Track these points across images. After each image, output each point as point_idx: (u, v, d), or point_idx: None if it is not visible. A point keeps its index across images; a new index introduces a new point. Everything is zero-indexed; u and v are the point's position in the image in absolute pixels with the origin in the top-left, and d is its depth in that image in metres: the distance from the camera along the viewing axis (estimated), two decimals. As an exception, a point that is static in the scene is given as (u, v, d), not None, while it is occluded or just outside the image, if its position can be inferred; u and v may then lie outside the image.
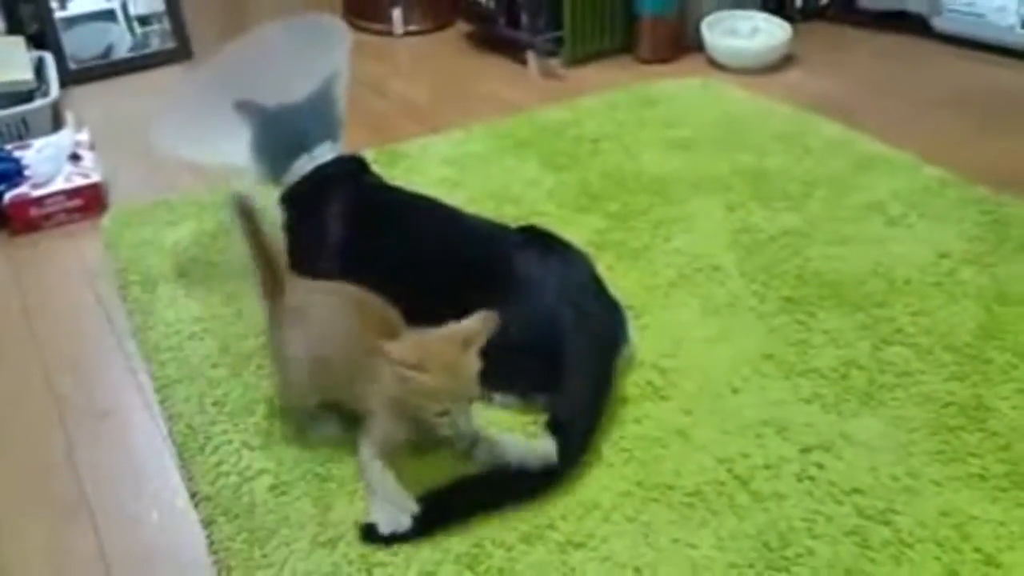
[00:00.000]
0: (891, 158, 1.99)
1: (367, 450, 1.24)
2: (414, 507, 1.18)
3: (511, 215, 1.82)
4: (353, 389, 1.26)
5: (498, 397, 1.37)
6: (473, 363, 1.18)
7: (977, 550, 1.11)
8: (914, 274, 1.61)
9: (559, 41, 2.65)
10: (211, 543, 1.20)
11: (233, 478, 1.28)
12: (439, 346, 1.17)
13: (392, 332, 1.25)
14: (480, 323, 1.20)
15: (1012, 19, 2.49)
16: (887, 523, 1.16)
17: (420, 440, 1.24)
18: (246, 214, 1.33)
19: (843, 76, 2.50)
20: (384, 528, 1.17)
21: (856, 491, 1.20)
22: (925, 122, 2.20)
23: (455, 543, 1.16)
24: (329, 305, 1.31)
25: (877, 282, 1.60)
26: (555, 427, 1.28)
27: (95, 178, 2.03)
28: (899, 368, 1.40)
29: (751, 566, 1.11)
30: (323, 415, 1.33)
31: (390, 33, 2.99)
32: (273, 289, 1.33)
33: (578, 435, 1.28)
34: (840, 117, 2.19)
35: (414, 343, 1.19)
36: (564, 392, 1.33)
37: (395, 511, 1.18)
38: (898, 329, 1.48)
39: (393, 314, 1.30)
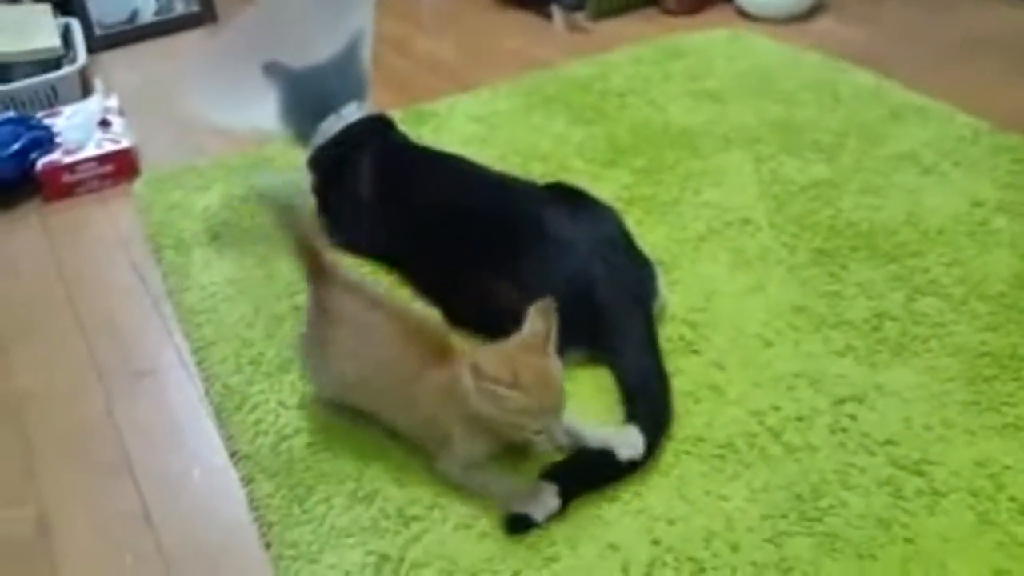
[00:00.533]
0: (923, 107, 1.96)
1: (455, 469, 1.18)
2: (552, 488, 1.14)
3: (539, 172, 1.81)
4: (389, 412, 1.23)
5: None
6: (559, 368, 1.12)
7: (1012, 499, 1.11)
8: (947, 223, 1.60)
9: (584, -6, 2.63)
10: (251, 500, 1.22)
11: (271, 436, 1.30)
12: (525, 358, 1.09)
13: (440, 351, 1.18)
14: (543, 320, 1.13)
15: (1050, -39, 2.44)
16: (921, 473, 1.16)
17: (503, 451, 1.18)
18: (279, 211, 1.27)
19: (873, 24, 2.46)
20: (539, 516, 1.13)
21: (889, 442, 1.20)
22: (957, 69, 2.16)
23: (490, 498, 1.17)
24: (371, 324, 1.21)
25: (910, 232, 1.58)
26: (634, 411, 1.25)
27: (125, 143, 2.05)
28: (932, 319, 1.39)
29: (784, 517, 1.12)
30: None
31: (414, -10, 2.97)
32: (316, 276, 1.26)
33: (660, 415, 1.26)
34: (871, 66, 2.15)
35: (501, 358, 1.09)
36: (630, 366, 1.31)
37: (540, 497, 1.14)
38: (931, 279, 1.47)
39: (439, 329, 1.24)
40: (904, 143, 1.84)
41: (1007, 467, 1.15)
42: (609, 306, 1.34)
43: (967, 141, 1.82)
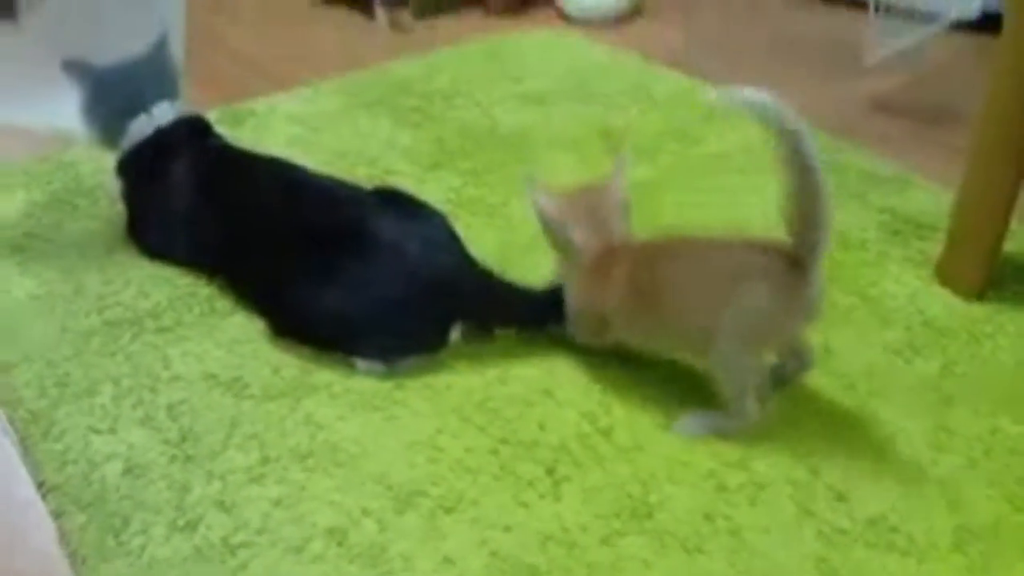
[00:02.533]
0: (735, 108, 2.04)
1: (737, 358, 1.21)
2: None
3: (364, 175, 1.78)
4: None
5: (362, 364, 1.35)
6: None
7: (828, 487, 1.17)
8: (759, 222, 1.66)
9: (407, -8, 2.60)
10: (62, 534, 1.14)
11: (81, 465, 1.22)
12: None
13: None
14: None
15: (844, -32, 2.59)
16: (743, 468, 1.20)
17: None
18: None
19: (690, 28, 2.55)
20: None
21: (712, 439, 1.24)
22: (768, 72, 2.27)
23: (321, 517, 1.14)
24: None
25: (725, 231, 1.64)
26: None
27: (-92, 147, 1.88)
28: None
29: (616, 515, 1.14)
30: None
31: (229, -16, 2.86)
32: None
33: None
34: (685, 69, 2.23)
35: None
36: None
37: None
38: (747, 277, 1.53)
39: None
40: (717, 144, 1.91)
41: (823, 457, 1.21)
42: (457, 288, 1.36)
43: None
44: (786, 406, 1.29)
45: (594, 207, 1.31)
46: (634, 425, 1.26)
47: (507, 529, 1.12)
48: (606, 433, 1.25)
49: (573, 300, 1.33)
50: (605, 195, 1.32)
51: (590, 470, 1.20)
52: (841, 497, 1.16)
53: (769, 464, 1.20)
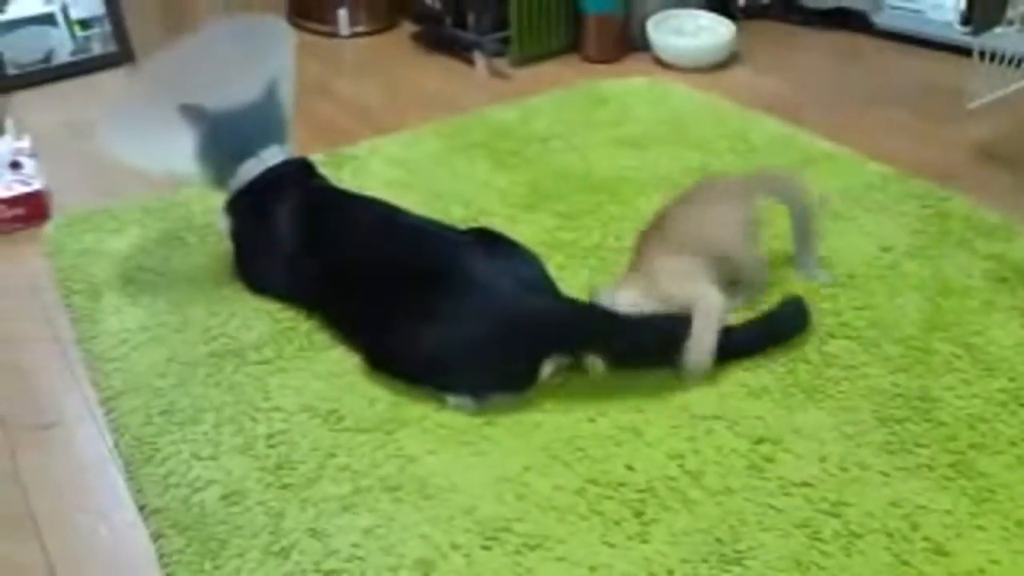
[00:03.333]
0: (834, 154, 2.02)
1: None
2: None
3: (460, 216, 1.82)
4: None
5: (452, 400, 1.37)
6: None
7: (926, 539, 1.14)
8: (858, 268, 1.64)
9: (506, 41, 2.65)
10: (161, 556, 1.18)
11: (183, 489, 1.26)
12: None
13: None
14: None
15: (949, 15, 2.54)
16: (837, 515, 1.17)
17: None
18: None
19: (786, 73, 2.53)
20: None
21: (806, 484, 1.22)
22: (867, 118, 2.24)
23: (410, 548, 1.15)
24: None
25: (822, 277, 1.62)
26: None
27: (37, 186, 1.99)
28: (844, 361, 1.43)
29: (704, 560, 1.12)
30: None
31: (336, 34, 2.96)
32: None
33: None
34: (784, 114, 2.22)
35: None
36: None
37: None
38: (843, 322, 1.51)
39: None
40: (816, 189, 1.89)
41: (920, 507, 1.18)
42: (558, 329, 1.39)
43: (876, 187, 1.88)
44: (885, 455, 1.25)
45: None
46: (724, 467, 1.25)
47: (592, 569, 1.12)
48: (696, 475, 1.24)
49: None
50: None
51: (678, 513, 1.19)
52: (939, 550, 1.12)
53: (865, 513, 1.17)
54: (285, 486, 1.25)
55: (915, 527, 1.15)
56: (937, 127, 2.16)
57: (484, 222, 1.69)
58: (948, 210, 1.79)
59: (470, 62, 2.68)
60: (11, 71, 2.65)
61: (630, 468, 1.25)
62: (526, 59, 2.65)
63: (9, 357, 1.58)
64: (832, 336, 1.48)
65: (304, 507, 1.22)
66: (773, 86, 2.45)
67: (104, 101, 2.42)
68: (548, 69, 2.63)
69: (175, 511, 1.23)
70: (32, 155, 2.12)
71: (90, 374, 1.51)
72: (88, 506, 1.29)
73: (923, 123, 2.19)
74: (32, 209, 1.96)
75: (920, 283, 1.59)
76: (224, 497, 1.24)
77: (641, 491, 1.22)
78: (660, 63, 2.61)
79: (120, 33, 2.77)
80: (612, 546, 1.15)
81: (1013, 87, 2.09)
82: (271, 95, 1.69)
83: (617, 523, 1.18)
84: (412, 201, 1.72)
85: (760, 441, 1.29)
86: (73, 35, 2.74)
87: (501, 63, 2.65)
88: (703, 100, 2.33)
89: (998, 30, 2.02)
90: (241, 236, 1.69)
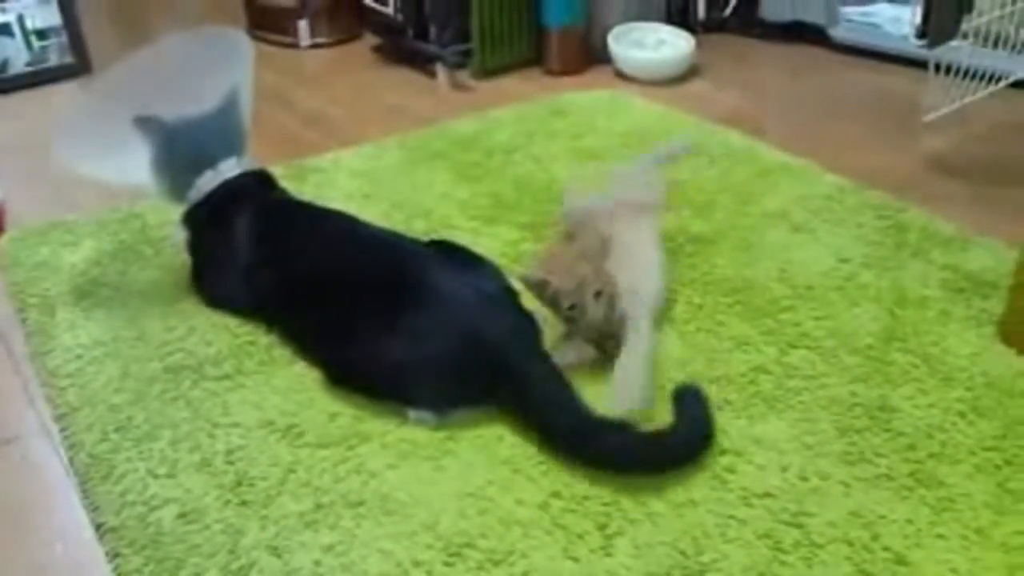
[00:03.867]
0: (793, 166, 2.04)
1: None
2: None
3: (422, 228, 1.81)
4: None
5: (413, 414, 1.36)
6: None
7: (887, 548, 1.14)
8: (817, 279, 1.65)
9: (468, 53, 2.65)
10: (117, 576, 1.16)
11: (139, 507, 1.24)
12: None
13: None
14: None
15: (906, 28, 2.58)
16: (798, 525, 1.18)
17: None
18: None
19: (746, 86, 2.56)
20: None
21: (767, 494, 1.22)
22: (826, 130, 2.27)
23: (371, 566, 1.14)
24: None
25: (782, 288, 1.63)
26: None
27: (-11, 198, 1.95)
28: (805, 372, 1.44)
29: (667, 574, 1.12)
30: None
31: (296, 45, 2.95)
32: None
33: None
34: (744, 127, 2.24)
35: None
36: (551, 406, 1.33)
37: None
38: (803, 333, 1.52)
39: None
40: (775, 201, 1.91)
41: (881, 516, 1.19)
42: (505, 354, 1.34)
43: (834, 199, 1.90)
44: (845, 465, 1.26)
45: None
46: (687, 480, 1.25)
47: (557, 583, 1.12)
48: (658, 487, 1.24)
49: None
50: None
51: (642, 525, 1.19)
52: (900, 560, 1.13)
53: (826, 523, 1.18)
54: (244, 503, 1.24)
55: (876, 537, 1.16)
56: (894, 139, 2.19)
57: (446, 234, 1.68)
58: (905, 221, 1.81)
59: (432, 74, 2.67)
60: (-37, 82, 2.61)
61: (594, 482, 1.25)
62: (488, 71, 2.65)
63: (-40, 373, 1.54)
64: (792, 347, 1.49)
65: (264, 524, 1.20)
66: (732, 99, 2.48)
67: (60, 113, 2.38)
68: (510, 81, 2.64)
69: (132, 529, 1.21)
70: (-16, 167, 2.09)
71: (45, 390, 1.48)
72: (43, 525, 1.26)
73: (880, 135, 2.22)
74: (-15, 222, 1.92)
75: (878, 294, 1.61)
76: (182, 515, 1.22)
77: (606, 504, 1.22)
78: (621, 76, 2.62)
79: (77, 44, 2.74)
80: (576, 560, 1.14)
81: (968, 99, 2.13)
82: (229, 106, 1.67)
83: (580, 536, 1.17)
84: (374, 213, 1.71)
85: (722, 452, 1.29)
86: (29, 46, 2.70)
87: (463, 75, 2.65)
88: (663, 113, 2.34)
89: (953, 43, 2.05)
90: (199, 249, 1.67)
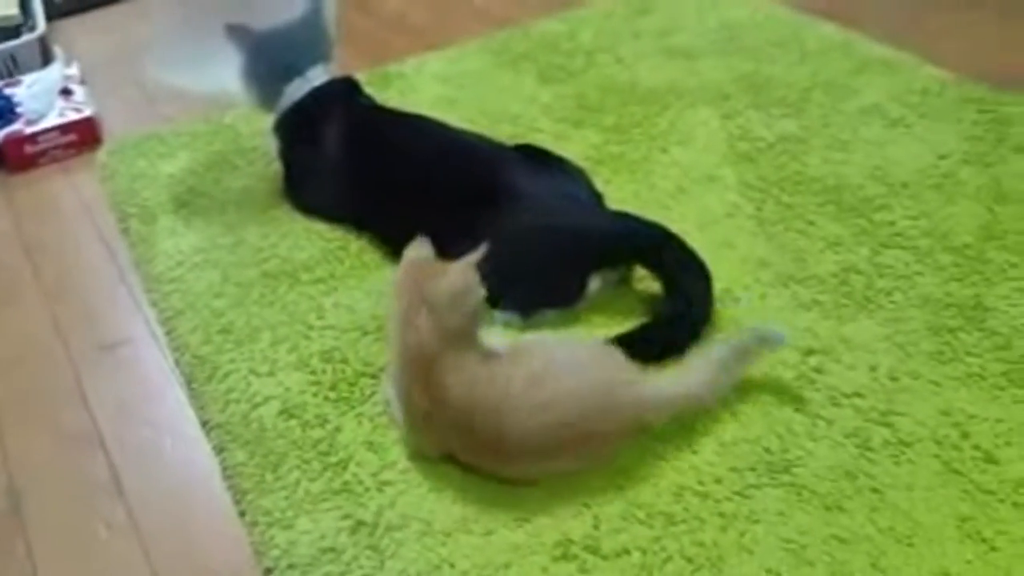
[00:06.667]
0: (890, 59, 1.96)
1: None
2: None
3: (507, 133, 1.80)
4: None
5: (500, 316, 1.38)
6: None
7: (976, 447, 1.13)
8: (913, 177, 1.60)
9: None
10: (224, 469, 1.22)
11: (243, 405, 1.30)
12: None
13: None
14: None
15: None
16: (887, 424, 1.17)
17: None
18: None
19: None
20: None
21: (856, 394, 1.22)
22: (924, 20, 2.16)
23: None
24: None
25: (876, 186, 1.59)
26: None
27: (88, 112, 2.01)
28: (898, 271, 1.41)
29: (752, 469, 1.14)
30: None
31: (378, -50, 2.92)
32: None
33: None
34: (840, 19, 2.15)
35: None
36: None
37: None
38: (897, 232, 1.48)
39: None
40: (870, 96, 1.84)
41: (971, 416, 1.17)
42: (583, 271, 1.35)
43: (932, 93, 1.83)
44: (936, 364, 1.25)
45: None
46: (773, 379, 1.25)
47: (643, 479, 1.14)
48: (744, 388, 1.24)
49: None
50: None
51: (727, 424, 1.20)
52: (989, 458, 1.12)
53: (915, 422, 1.17)
54: (341, 400, 1.29)
55: (965, 435, 1.15)
56: (996, 28, 2.08)
57: (531, 139, 1.68)
58: (1007, 115, 1.73)
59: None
60: (58, -2, 2.66)
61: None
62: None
63: (70, 281, 1.63)
64: (885, 246, 1.46)
65: (360, 421, 1.25)
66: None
67: (152, 25, 2.43)
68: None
69: (236, 426, 1.27)
70: (82, 82, 2.15)
71: (149, 296, 1.55)
72: (152, 421, 1.34)
73: (985, 25, 2.11)
74: (84, 135, 1.99)
75: (975, 191, 1.56)
76: (282, 412, 1.28)
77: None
78: (710, -31, 2.53)
79: (164, -45, 2.76)
80: (662, 458, 1.16)
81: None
82: (315, 14, 1.68)
83: (666, 436, 1.19)
84: (459, 118, 1.71)
85: (810, 352, 1.28)
86: (116, -41, 2.73)
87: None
88: (755, 6, 2.26)
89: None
90: (289, 157, 1.70)
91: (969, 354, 1.26)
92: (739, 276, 1.43)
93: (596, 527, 1.09)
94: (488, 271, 1.37)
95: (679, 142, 1.76)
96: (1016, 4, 2.10)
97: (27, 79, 2.14)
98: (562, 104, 1.94)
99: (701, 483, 1.13)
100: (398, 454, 1.20)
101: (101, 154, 1.95)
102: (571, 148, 1.70)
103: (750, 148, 1.72)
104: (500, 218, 1.38)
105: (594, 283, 1.38)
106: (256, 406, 1.30)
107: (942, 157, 1.64)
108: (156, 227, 1.69)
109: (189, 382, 1.37)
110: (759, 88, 1.91)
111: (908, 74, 1.90)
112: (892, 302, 1.35)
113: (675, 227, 1.44)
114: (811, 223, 1.52)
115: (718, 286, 1.38)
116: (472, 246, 1.38)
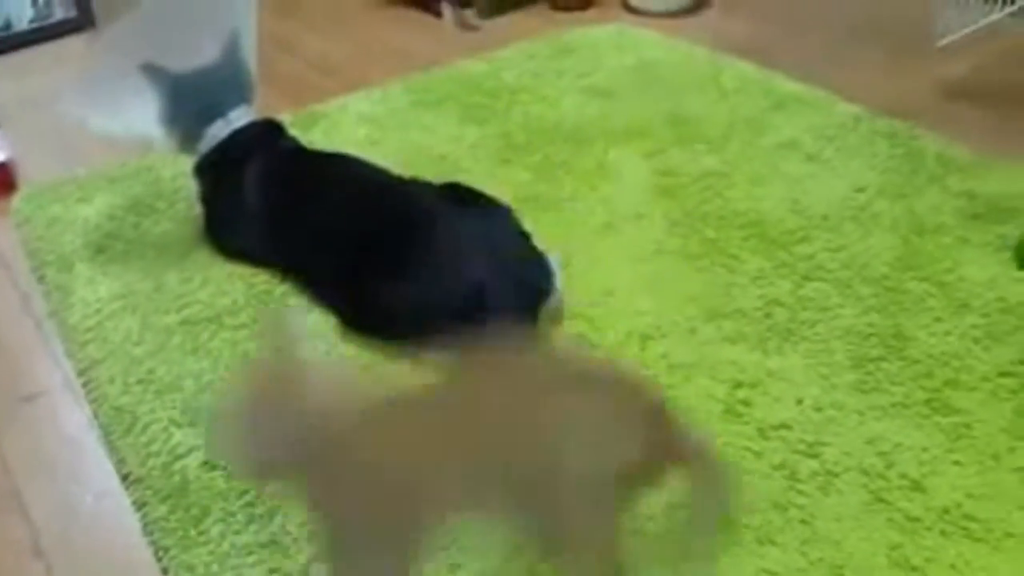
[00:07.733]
0: (805, 96, 2.02)
1: None
2: None
3: (433, 172, 1.79)
4: None
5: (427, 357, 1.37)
6: None
7: (902, 476, 1.15)
8: (831, 210, 1.64)
9: (474, -9, 2.62)
10: (145, 524, 1.18)
11: (163, 457, 1.26)
12: None
13: None
14: None
15: (918, -49, 2.52)
16: (814, 455, 1.19)
17: None
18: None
19: (756, 16, 2.51)
20: None
21: (783, 426, 1.23)
22: (838, 58, 2.23)
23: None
24: None
25: (796, 219, 1.62)
26: None
27: (2, 157, 1.96)
28: (819, 303, 1.43)
29: (684, 505, 1.14)
30: None
31: (300, -10, 2.92)
32: None
33: None
34: (755, 58, 2.20)
35: None
36: None
37: None
38: (818, 265, 1.51)
39: None
40: (787, 132, 1.89)
41: (896, 445, 1.19)
42: (498, 312, 1.34)
43: (847, 128, 1.88)
44: (860, 394, 1.27)
45: None
46: (703, 412, 1.26)
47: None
48: (674, 423, 1.24)
49: None
50: None
51: (658, 460, 1.20)
52: (916, 486, 1.14)
53: (842, 452, 1.19)
54: (266, 450, 1.25)
55: (891, 464, 1.17)
56: (907, 65, 2.16)
57: (458, 178, 1.67)
58: (920, 148, 1.79)
59: (438, 14, 2.64)
60: (-32, 40, 2.60)
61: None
62: (495, 10, 2.61)
63: (-18, 331, 1.57)
64: (807, 279, 1.48)
65: (286, 470, 1.22)
66: (743, 29, 2.43)
67: (67, 68, 2.38)
68: (517, 20, 2.60)
69: (156, 479, 1.23)
70: (-5, 125, 2.09)
71: (66, 346, 1.50)
72: (71, 477, 1.29)
73: (894, 61, 2.18)
74: (-2, 181, 1.93)
75: (893, 222, 1.60)
76: (205, 463, 1.24)
77: (621, 440, 1.23)
78: (629, 9, 2.58)
79: (80, -2, 2.72)
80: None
81: (982, 22, 2.08)
82: (233, 52, 1.66)
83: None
84: (384, 158, 1.70)
85: (737, 385, 1.30)
86: (33, 1, 2.68)
87: (469, 14, 2.62)
88: (673, 46, 2.31)
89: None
90: (211, 199, 1.67)
91: (892, 383, 1.28)
92: (666, 311, 1.44)
93: None
94: (414, 313, 1.37)
95: (606, 179, 1.78)
96: (922, 43, 2.18)
97: (-65, 124, 2.08)
98: (487, 143, 1.94)
99: (633, 522, 1.12)
100: (327, 502, 1.17)
101: (16, 200, 1.89)
102: (498, 187, 1.70)
103: (674, 184, 1.75)
104: (430, 259, 1.37)
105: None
106: (178, 457, 1.26)
107: (859, 190, 1.69)
108: (73, 274, 1.64)
109: (107, 435, 1.32)
110: (680, 125, 1.94)
111: (823, 110, 1.95)
112: (815, 334, 1.38)
113: (604, 264, 1.45)
114: (735, 257, 1.54)
115: (647, 321, 1.39)
116: (401, 287, 1.38)
